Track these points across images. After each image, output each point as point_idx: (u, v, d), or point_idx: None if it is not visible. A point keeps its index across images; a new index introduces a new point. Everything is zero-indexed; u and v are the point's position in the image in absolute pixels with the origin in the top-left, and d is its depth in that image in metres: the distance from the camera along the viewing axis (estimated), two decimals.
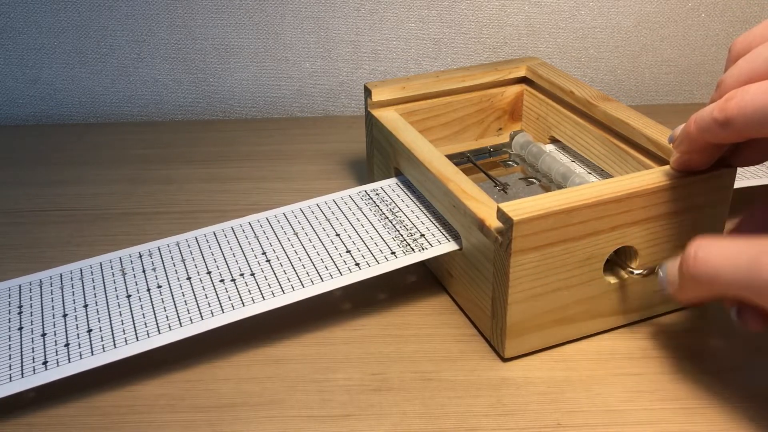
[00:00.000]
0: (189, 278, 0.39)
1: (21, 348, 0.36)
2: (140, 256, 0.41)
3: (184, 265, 0.40)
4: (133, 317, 0.37)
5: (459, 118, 0.53)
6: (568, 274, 0.37)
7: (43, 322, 0.37)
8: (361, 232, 0.42)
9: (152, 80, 0.68)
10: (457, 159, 0.51)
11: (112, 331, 0.36)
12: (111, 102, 0.69)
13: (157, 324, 0.36)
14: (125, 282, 0.39)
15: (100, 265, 0.41)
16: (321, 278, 0.39)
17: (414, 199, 0.45)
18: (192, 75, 0.68)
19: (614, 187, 0.36)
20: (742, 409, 0.35)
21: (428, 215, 0.43)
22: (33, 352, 0.36)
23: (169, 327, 0.36)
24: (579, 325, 0.39)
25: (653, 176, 0.37)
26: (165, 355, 0.37)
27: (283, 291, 0.38)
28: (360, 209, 0.44)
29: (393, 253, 0.40)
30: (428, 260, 0.43)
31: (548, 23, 0.67)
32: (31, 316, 0.38)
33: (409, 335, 0.40)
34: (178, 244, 0.42)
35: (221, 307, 0.37)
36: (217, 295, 0.38)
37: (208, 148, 0.62)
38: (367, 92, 0.50)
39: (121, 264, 0.41)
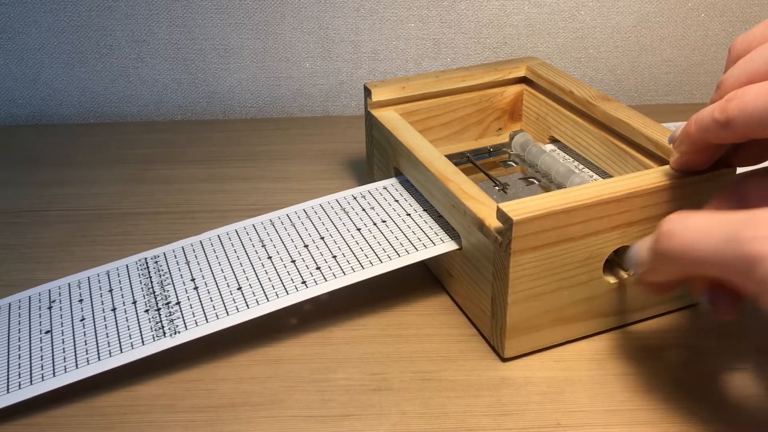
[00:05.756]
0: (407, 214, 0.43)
1: (277, 273, 0.40)
2: (357, 197, 0.45)
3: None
4: (371, 246, 0.41)
5: (459, 118, 0.53)
6: (567, 274, 0.37)
7: (288, 252, 0.41)
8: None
9: (152, 80, 0.68)
10: (457, 159, 0.51)
11: (355, 255, 0.40)
12: (111, 102, 0.69)
13: (396, 250, 0.40)
14: (350, 219, 0.43)
15: (320, 205, 0.45)
16: (324, 278, 0.39)
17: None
18: (192, 75, 0.68)
19: (614, 187, 0.36)
20: (742, 409, 0.35)
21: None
22: (289, 275, 0.40)
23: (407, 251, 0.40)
24: (579, 325, 0.39)
25: (653, 176, 0.37)
26: (165, 355, 0.37)
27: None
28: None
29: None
30: (428, 260, 0.43)
31: (548, 23, 0.67)
32: (275, 248, 0.42)
33: (409, 335, 0.40)
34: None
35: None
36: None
37: (208, 148, 0.62)
38: (367, 92, 0.50)
39: (340, 205, 0.45)
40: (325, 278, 0.39)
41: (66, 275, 0.43)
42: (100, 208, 0.53)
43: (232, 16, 0.66)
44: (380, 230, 0.42)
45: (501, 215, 0.35)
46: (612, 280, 0.38)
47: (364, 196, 0.46)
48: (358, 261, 0.40)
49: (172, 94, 0.69)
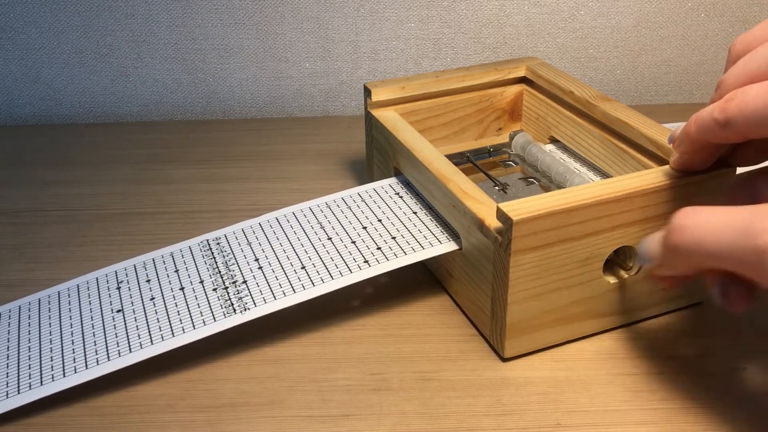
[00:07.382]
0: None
1: (339, 253, 0.41)
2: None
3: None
4: (413, 234, 0.42)
5: (459, 118, 0.53)
6: (567, 274, 0.37)
7: (347, 233, 0.42)
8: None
9: (152, 80, 0.68)
10: (457, 159, 0.51)
11: (350, 256, 0.41)
12: (111, 102, 0.69)
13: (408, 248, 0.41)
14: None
15: (350, 196, 0.46)
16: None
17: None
18: (191, 75, 0.68)
19: (614, 187, 0.36)
20: (741, 409, 0.35)
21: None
22: (351, 254, 0.41)
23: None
24: (579, 325, 0.39)
25: (653, 176, 0.37)
26: (165, 355, 0.37)
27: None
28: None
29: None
30: (428, 260, 0.43)
31: (548, 23, 0.67)
32: (334, 230, 0.43)
33: (409, 335, 0.40)
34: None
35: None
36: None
37: (207, 148, 0.62)
38: (367, 92, 0.50)
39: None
40: (378, 261, 0.40)
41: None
42: (100, 208, 0.53)
43: (232, 16, 0.66)
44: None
45: (501, 215, 0.35)
46: (612, 280, 0.38)
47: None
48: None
49: (171, 94, 0.69)
